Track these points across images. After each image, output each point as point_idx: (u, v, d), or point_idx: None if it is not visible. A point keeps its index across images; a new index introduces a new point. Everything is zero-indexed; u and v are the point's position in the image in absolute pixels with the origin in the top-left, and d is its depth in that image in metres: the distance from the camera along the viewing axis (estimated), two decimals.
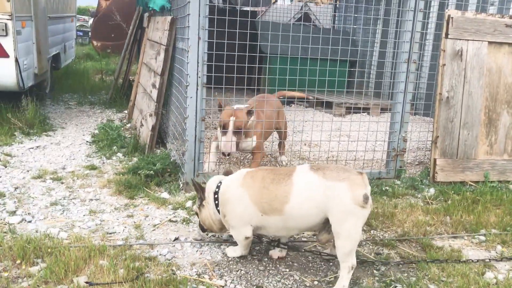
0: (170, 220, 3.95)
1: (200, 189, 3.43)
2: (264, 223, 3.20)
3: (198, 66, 4.41)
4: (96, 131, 6.60)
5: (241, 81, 5.08)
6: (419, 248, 3.75)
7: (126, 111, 7.91)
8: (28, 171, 4.97)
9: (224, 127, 4.58)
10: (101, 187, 4.59)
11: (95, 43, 16.21)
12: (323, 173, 3.06)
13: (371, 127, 5.22)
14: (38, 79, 7.66)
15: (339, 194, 2.98)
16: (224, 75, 4.48)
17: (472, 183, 5.14)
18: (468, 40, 5.04)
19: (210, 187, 3.42)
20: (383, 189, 4.90)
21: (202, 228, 3.57)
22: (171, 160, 5.09)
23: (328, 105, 8.78)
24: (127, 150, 5.77)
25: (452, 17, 4.96)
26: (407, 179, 5.15)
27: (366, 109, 8.91)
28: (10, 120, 6.53)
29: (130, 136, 6.44)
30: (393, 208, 4.37)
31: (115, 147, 5.89)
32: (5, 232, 3.55)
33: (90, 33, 17.61)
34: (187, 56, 4.40)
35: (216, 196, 3.35)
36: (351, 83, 10.03)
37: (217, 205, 3.34)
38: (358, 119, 8.23)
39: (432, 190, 4.93)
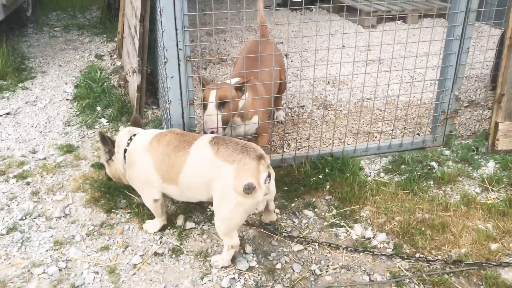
0: (155, 253, 3.10)
1: (111, 143, 3.21)
2: (165, 190, 3.05)
3: (177, 34, 3.22)
4: (81, 78, 5.56)
5: None
6: (481, 285, 2.84)
7: (116, 39, 6.73)
8: None
9: (205, 100, 3.47)
10: (74, 189, 3.69)
11: None
12: (217, 149, 2.81)
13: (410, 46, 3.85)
14: (9, 9, 6.46)
15: (222, 177, 2.75)
16: None
17: None
18: None
19: (120, 143, 3.18)
20: (429, 166, 3.87)
21: (109, 179, 3.45)
22: None
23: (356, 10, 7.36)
24: (113, 113, 4.79)
25: None
26: (458, 147, 4.08)
27: (402, 17, 7.46)
28: None
29: (117, 85, 5.40)
30: (443, 211, 3.38)
31: (99, 108, 4.90)
32: None
33: None
34: (161, 22, 3.19)
35: (125, 154, 3.14)
36: None
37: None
38: (392, 30, 6.89)
39: (491, 165, 3.88)
